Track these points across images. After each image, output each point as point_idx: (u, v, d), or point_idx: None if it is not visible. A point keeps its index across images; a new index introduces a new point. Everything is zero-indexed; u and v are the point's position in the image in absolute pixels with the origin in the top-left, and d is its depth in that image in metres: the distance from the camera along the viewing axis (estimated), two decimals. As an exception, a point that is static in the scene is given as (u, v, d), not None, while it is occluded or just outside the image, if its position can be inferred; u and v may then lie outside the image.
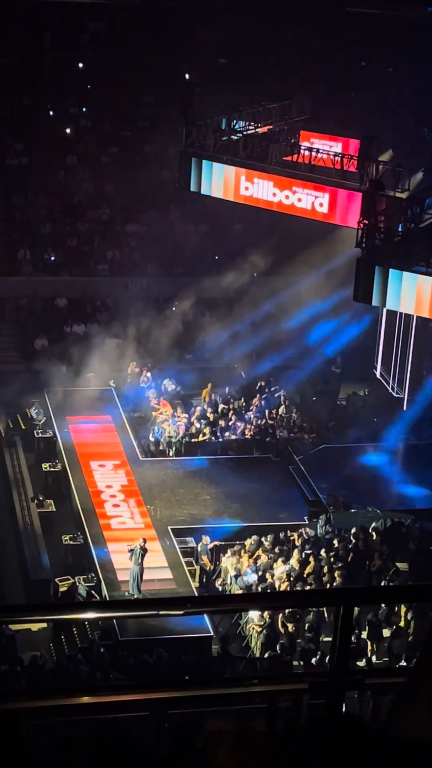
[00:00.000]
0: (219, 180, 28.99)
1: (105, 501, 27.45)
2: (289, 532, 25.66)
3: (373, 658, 21.98)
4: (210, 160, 29.01)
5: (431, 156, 29.44)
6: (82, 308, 36.74)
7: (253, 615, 22.23)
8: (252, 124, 30.45)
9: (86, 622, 21.79)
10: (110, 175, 39.50)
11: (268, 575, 23.78)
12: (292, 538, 25.42)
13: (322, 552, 24.84)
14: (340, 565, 24.16)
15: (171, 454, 30.19)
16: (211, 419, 31.23)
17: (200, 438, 30.64)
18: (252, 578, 23.74)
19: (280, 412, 31.84)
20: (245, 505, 27.61)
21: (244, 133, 29.70)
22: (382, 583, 23.61)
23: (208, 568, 24.98)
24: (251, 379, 33.76)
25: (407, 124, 33.71)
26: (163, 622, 21.84)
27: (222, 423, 31.10)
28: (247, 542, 25.15)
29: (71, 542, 25.57)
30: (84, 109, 41.67)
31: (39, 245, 37.76)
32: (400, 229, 25.22)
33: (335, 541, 25.20)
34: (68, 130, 41.13)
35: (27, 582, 24.79)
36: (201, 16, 37.07)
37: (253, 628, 22.35)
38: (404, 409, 31.13)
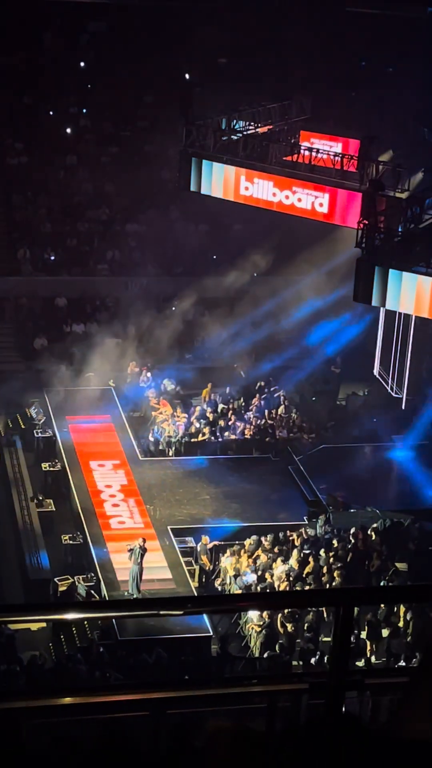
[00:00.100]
0: (219, 180, 28.96)
1: (104, 501, 27.45)
2: (288, 532, 25.67)
3: (372, 659, 22.00)
4: (210, 160, 28.98)
5: (431, 156, 29.40)
6: (81, 308, 36.72)
7: (253, 615, 22.23)
8: (252, 124, 30.42)
9: (85, 622, 21.82)
10: (110, 175, 39.47)
11: (267, 575, 23.79)
12: (291, 538, 25.43)
13: (322, 552, 24.85)
14: (339, 565, 24.18)
15: (170, 453, 30.19)
16: (211, 419, 31.23)
17: (200, 438, 30.65)
18: (251, 578, 23.74)
19: (279, 412, 31.84)
20: (245, 505, 27.61)
21: (244, 133, 29.67)
22: (382, 583, 23.62)
23: (207, 568, 24.98)
24: (251, 379, 33.76)
25: (407, 124, 33.64)
26: (162, 622, 21.82)
27: (221, 423, 31.10)
28: (247, 542, 25.15)
29: (71, 542, 25.58)
30: (84, 109, 41.63)
31: (39, 245, 37.74)
32: (399, 230, 25.19)
33: (334, 541, 25.22)
34: (68, 130, 41.08)
35: (26, 581, 24.80)
36: (201, 16, 37.11)
37: (252, 628, 22.37)
38: (402, 408, 31.11)
